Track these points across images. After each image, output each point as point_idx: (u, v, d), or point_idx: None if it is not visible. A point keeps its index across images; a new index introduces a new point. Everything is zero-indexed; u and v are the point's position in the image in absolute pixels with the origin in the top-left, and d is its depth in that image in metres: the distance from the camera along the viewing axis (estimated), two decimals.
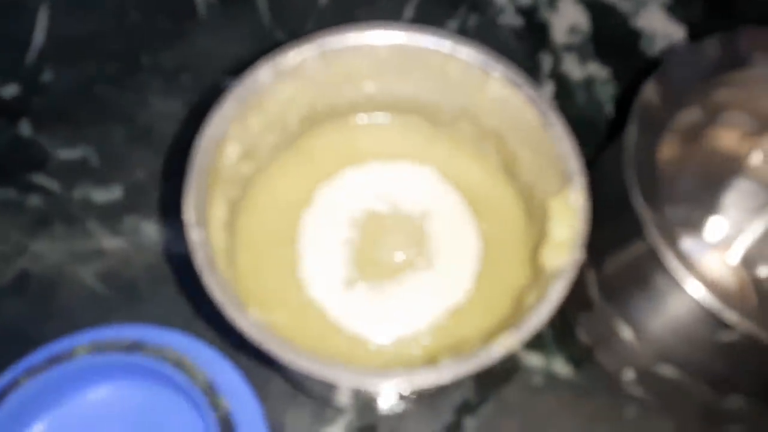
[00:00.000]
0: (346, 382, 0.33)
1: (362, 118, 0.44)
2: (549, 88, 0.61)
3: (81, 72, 0.59)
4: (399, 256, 0.42)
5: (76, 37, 0.60)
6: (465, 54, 0.40)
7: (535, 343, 0.51)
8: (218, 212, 0.38)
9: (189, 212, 0.36)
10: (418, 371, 0.33)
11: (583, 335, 0.49)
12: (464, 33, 0.63)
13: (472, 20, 0.64)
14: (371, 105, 0.44)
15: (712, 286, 0.36)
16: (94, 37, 0.61)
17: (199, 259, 0.35)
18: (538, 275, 0.37)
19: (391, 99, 0.43)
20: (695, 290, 0.36)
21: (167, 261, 0.52)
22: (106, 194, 0.55)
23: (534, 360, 0.51)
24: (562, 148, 0.37)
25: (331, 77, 0.41)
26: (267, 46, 0.61)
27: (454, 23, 0.63)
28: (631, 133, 0.39)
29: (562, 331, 0.51)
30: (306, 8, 0.63)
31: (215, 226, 0.38)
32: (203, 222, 0.36)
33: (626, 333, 0.44)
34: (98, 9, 0.62)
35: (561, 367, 0.51)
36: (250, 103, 0.39)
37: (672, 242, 0.37)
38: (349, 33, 0.40)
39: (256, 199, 0.42)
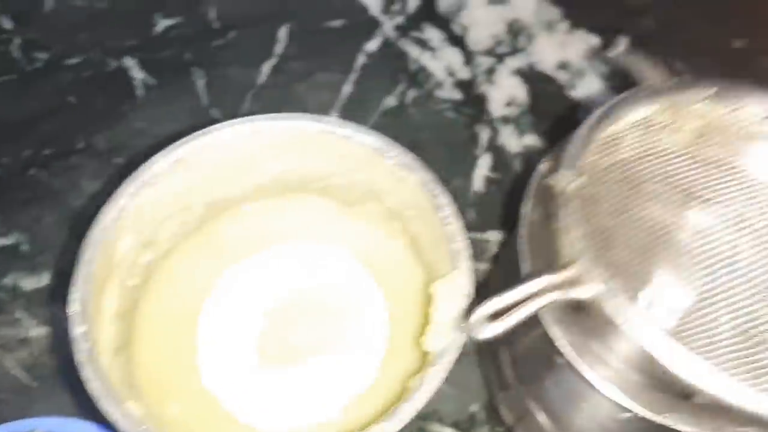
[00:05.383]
0: None
1: (271, 201, 0.44)
2: (486, 160, 0.60)
3: (16, 157, 0.59)
4: (304, 342, 0.41)
5: (13, 122, 0.61)
6: (363, 139, 0.40)
7: (466, 423, 0.50)
8: (112, 302, 0.38)
9: (74, 305, 0.36)
10: None
11: (505, 414, 0.47)
12: (402, 107, 0.63)
13: (411, 94, 0.64)
14: (280, 187, 0.43)
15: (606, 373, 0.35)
16: (31, 120, 0.61)
17: (81, 353, 0.34)
18: (425, 358, 0.36)
19: (300, 180, 0.43)
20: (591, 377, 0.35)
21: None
22: (34, 281, 0.54)
23: None
24: (451, 230, 0.36)
25: (235, 163, 0.41)
26: (203, 125, 0.62)
27: (392, 98, 0.63)
28: (527, 209, 0.39)
29: (490, 408, 0.49)
30: (244, 86, 0.63)
31: (107, 317, 0.37)
32: (91, 313, 0.36)
33: (540, 415, 0.43)
34: (37, 93, 0.62)
35: None
36: (146, 194, 0.39)
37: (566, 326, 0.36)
38: (249, 122, 0.40)
39: (157, 287, 0.41)
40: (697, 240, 0.38)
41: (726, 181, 0.40)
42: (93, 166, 0.59)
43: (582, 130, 0.37)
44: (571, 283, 0.33)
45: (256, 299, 0.42)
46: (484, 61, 0.65)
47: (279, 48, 0.65)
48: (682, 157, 0.40)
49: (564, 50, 0.66)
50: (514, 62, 0.65)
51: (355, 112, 0.63)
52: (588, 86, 0.64)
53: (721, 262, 0.37)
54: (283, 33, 0.66)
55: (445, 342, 0.34)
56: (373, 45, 0.66)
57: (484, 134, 0.62)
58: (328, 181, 0.42)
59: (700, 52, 0.66)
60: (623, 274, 0.35)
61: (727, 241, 0.38)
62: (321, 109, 0.63)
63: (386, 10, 0.68)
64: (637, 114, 0.39)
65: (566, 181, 0.36)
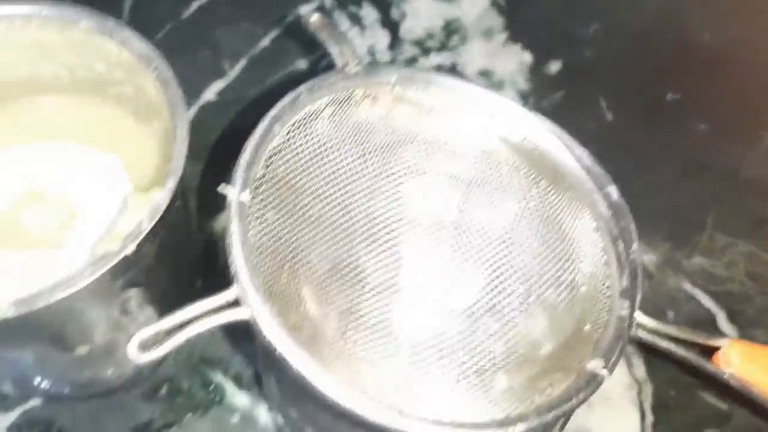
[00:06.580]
0: None
1: (66, 99, 0.44)
2: None
3: None
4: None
5: None
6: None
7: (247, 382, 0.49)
8: None
9: None
10: None
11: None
12: (312, 73, 0.62)
13: (323, 63, 0.63)
14: (77, 86, 0.43)
15: None
16: None
17: None
18: None
19: (94, 83, 0.43)
20: None
21: None
22: None
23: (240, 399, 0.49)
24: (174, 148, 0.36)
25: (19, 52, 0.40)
26: None
27: (303, 62, 0.63)
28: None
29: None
30: (168, 16, 0.64)
31: None
32: None
33: None
34: None
35: (263, 414, 0.48)
36: None
37: None
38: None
39: None
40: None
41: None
42: None
43: (252, 140, 0.37)
44: (231, 304, 0.33)
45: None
46: (409, 50, 0.64)
47: None
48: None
49: (493, 59, 0.64)
50: (438, 58, 0.64)
51: (263, 66, 0.62)
52: None
53: None
54: None
55: (111, 249, 0.33)
56: (306, 8, 0.65)
57: None
58: (121, 88, 0.42)
59: (629, 96, 0.63)
60: (278, 296, 0.35)
61: None
62: (233, 57, 0.63)
63: None
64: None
65: (234, 194, 0.35)
